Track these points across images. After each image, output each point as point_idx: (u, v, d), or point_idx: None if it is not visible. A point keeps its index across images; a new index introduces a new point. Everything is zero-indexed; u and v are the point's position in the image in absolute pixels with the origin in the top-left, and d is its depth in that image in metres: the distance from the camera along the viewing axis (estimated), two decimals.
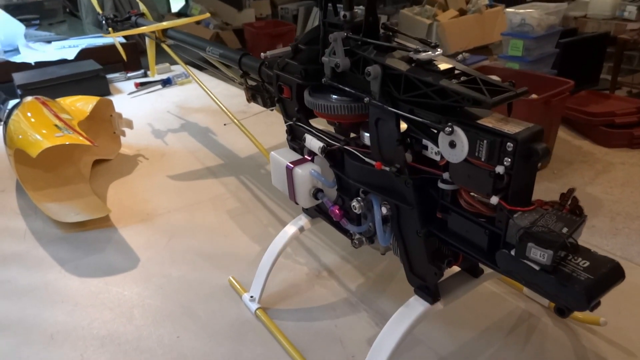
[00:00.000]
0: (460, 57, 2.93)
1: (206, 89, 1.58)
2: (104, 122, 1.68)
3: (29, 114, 1.50)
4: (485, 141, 0.60)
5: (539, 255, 0.57)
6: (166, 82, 2.45)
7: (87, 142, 1.31)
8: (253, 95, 1.15)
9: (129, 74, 2.59)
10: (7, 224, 1.37)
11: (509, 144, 0.58)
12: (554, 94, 1.81)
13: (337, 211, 0.86)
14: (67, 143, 1.35)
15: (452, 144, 0.63)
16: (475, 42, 3.78)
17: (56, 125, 1.36)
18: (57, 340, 0.98)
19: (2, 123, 1.63)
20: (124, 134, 1.71)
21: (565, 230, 0.59)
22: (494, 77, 0.68)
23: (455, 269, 0.81)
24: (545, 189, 1.79)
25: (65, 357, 0.94)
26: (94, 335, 0.99)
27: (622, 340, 0.92)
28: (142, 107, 2.22)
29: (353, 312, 1.00)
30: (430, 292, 0.77)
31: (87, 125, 1.59)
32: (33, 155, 1.28)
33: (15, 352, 0.95)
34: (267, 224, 1.31)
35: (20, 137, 1.40)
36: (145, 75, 2.58)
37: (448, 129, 0.62)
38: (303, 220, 1.01)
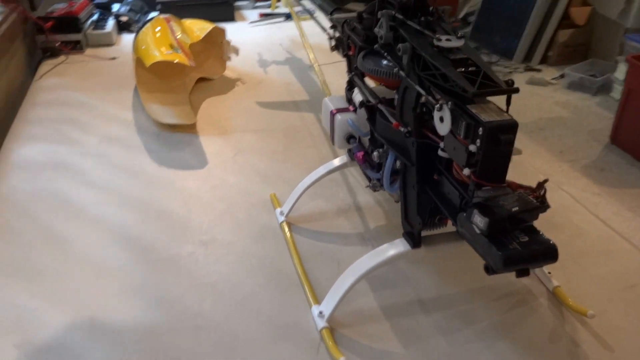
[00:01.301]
0: None
1: (301, 30, 1.72)
2: (215, 47, 1.92)
3: (156, 29, 1.77)
4: (464, 122, 0.70)
5: (479, 221, 0.68)
6: (288, 16, 2.61)
7: (188, 63, 1.55)
8: (336, 45, 1.28)
9: (256, 3, 2.80)
10: (120, 113, 1.69)
11: (480, 128, 0.67)
12: None
13: (360, 156, 1.02)
14: (175, 61, 1.60)
15: (441, 119, 0.74)
16: None
17: (171, 45, 1.62)
18: (131, 203, 1.26)
19: (135, 32, 1.93)
20: (229, 59, 1.93)
21: (515, 209, 0.66)
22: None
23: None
24: None
25: (132, 217, 1.22)
26: (155, 208, 1.25)
27: (608, 335, 0.93)
28: (257, 36, 2.44)
29: (361, 244, 1.13)
30: (414, 238, 0.87)
31: (201, 47, 1.84)
32: (146, 65, 1.57)
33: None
34: (325, 159, 1.46)
35: (143, 47, 1.68)
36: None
37: (438, 106, 0.73)
38: (344, 159, 1.15)
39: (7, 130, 1.57)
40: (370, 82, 1.02)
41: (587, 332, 0.93)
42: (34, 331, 0.91)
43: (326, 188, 1.28)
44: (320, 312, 0.90)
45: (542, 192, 0.70)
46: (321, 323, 0.89)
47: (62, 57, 2.15)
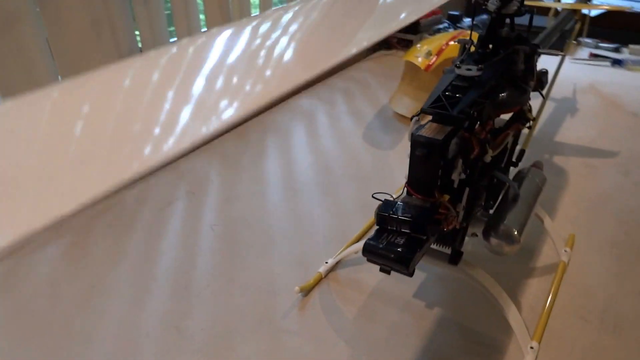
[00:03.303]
0: None
1: None
2: None
3: (437, 36, 2.05)
4: None
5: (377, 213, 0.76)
6: (616, 62, 2.40)
7: (421, 67, 1.78)
8: None
9: (597, 43, 2.64)
10: (376, 95, 2.09)
11: None
12: None
13: None
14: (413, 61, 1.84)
15: None
16: None
17: (429, 51, 1.88)
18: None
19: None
20: None
21: (408, 217, 0.73)
22: None
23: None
24: None
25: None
26: None
27: None
28: (567, 71, 2.36)
29: None
30: None
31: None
32: (403, 58, 1.89)
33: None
34: None
35: (417, 45, 2.00)
36: (616, 50, 2.58)
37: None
38: None
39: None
40: None
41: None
42: None
43: None
44: None
45: (449, 215, 0.74)
46: None
47: (393, 50, 2.70)
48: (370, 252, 0.73)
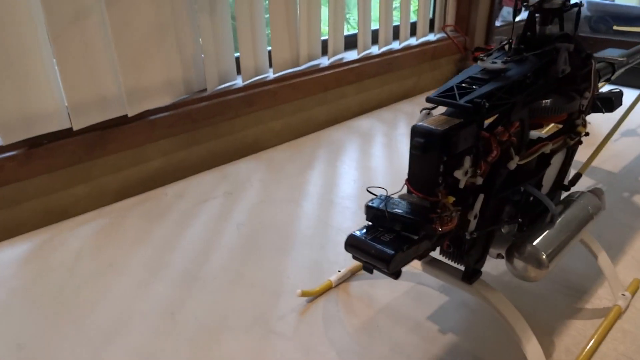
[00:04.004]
0: None
1: None
2: None
3: None
4: None
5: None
6: None
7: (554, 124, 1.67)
8: None
9: None
10: None
11: None
12: None
13: None
14: None
15: None
16: None
17: None
18: None
19: None
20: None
21: (399, 211, 0.66)
22: None
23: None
24: None
25: None
26: None
27: None
28: None
29: None
30: None
31: None
32: None
33: None
34: None
35: None
36: None
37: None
38: None
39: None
40: None
41: None
42: None
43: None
44: None
45: (446, 214, 0.64)
46: None
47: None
48: (352, 245, 0.66)
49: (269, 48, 1.68)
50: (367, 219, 0.69)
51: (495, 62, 0.74)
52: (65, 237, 1.21)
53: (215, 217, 1.28)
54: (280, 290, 1.01)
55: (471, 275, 0.79)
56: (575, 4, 0.79)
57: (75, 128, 1.25)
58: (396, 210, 0.66)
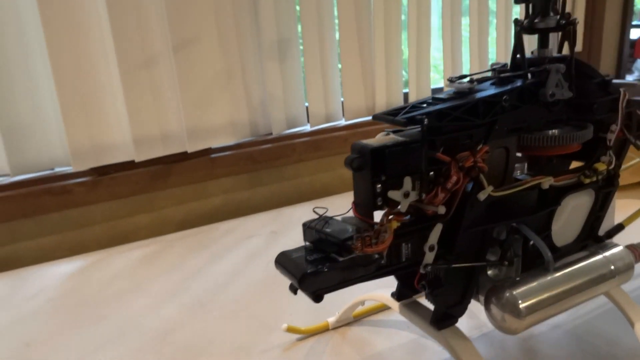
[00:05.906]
0: None
1: None
2: None
3: None
4: None
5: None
6: None
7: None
8: None
9: None
10: None
11: None
12: None
13: None
14: None
15: None
16: None
17: None
18: None
19: None
20: None
21: (327, 230, 0.59)
22: None
23: None
24: None
25: None
26: None
27: None
28: None
29: None
30: None
31: None
32: None
33: None
34: None
35: None
36: None
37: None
38: None
39: None
40: None
41: None
42: None
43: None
44: None
45: (369, 234, 0.55)
46: None
47: None
48: (278, 262, 0.62)
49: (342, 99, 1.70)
50: (304, 239, 0.63)
51: (462, 83, 0.65)
52: (115, 258, 1.30)
53: (251, 253, 1.28)
54: (276, 325, 0.94)
55: (441, 320, 0.66)
56: (571, 22, 0.67)
57: (137, 160, 1.37)
58: (325, 229, 0.60)
